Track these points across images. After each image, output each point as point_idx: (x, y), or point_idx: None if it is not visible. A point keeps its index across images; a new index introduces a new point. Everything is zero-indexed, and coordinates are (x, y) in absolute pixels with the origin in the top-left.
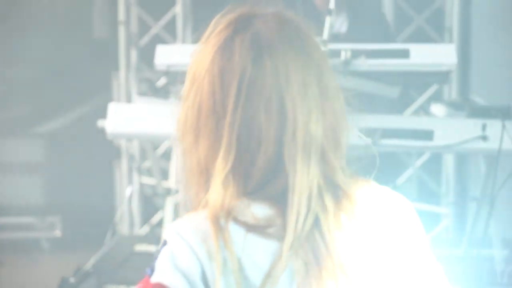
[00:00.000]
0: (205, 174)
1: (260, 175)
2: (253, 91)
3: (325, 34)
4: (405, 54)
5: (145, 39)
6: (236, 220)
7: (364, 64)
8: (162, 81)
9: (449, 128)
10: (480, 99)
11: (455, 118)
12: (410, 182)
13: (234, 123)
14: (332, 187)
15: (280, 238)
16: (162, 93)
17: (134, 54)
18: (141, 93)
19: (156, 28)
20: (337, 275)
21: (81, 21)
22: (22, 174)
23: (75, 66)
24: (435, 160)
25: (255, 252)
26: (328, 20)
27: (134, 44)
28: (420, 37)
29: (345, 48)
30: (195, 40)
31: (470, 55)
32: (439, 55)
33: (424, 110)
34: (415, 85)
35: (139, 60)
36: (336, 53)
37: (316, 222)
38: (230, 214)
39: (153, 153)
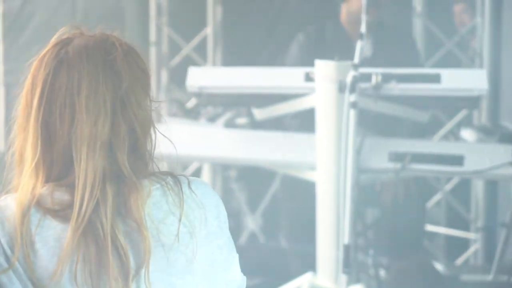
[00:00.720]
0: (22, 162)
1: (61, 165)
2: (51, 95)
3: (356, 58)
4: (436, 79)
5: (176, 60)
6: (38, 204)
7: (395, 88)
8: (192, 102)
9: (479, 154)
10: (510, 125)
11: (485, 143)
12: (439, 207)
13: (38, 120)
14: (116, 177)
15: (69, 221)
16: (192, 114)
17: (164, 74)
18: (171, 114)
19: (186, 49)
20: (110, 258)
21: None
22: None
23: None
24: (465, 185)
25: (47, 233)
26: (359, 44)
27: (165, 64)
28: (450, 61)
29: (376, 72)
30: (226, 62)
31: (500, 80)
32: (470, 80)
33: (454, 135)
34: (445, 110)
35: (170, 81)
36: (367, 77)
37: (97, 208)
38: (34, 199)
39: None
